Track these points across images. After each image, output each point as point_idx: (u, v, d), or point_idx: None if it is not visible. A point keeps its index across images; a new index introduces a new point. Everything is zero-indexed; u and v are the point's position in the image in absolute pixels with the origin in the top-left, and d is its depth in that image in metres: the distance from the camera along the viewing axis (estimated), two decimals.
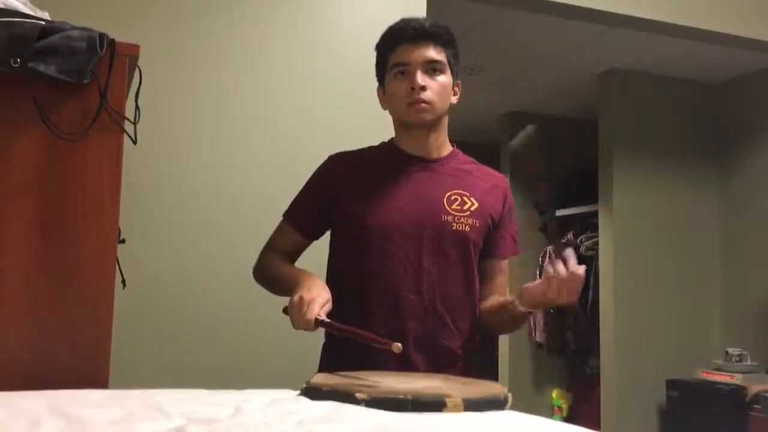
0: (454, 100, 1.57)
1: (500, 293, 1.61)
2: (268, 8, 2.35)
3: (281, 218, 1.64)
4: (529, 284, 1.41)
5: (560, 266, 1.34)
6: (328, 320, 1.34)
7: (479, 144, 5.35)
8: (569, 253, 1.37)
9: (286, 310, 1.40)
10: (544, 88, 4.51)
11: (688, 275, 4.23)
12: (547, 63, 4.05)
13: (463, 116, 4.94)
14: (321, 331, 1.57)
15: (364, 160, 1.61)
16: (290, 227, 1.62)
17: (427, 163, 1.57)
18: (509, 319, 1.52)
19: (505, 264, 1.63)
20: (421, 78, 1.48)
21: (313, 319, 1.32)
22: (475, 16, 3.36)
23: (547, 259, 1.25)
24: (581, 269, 1.35)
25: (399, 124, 1.59)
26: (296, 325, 1.36)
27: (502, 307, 1.52)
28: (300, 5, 2.39)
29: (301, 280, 1.41)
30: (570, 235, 4.71)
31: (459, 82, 1.59)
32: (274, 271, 1.57)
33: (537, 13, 3.06)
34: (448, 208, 1.52)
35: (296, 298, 1.35)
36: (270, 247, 1.63)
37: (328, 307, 1.36)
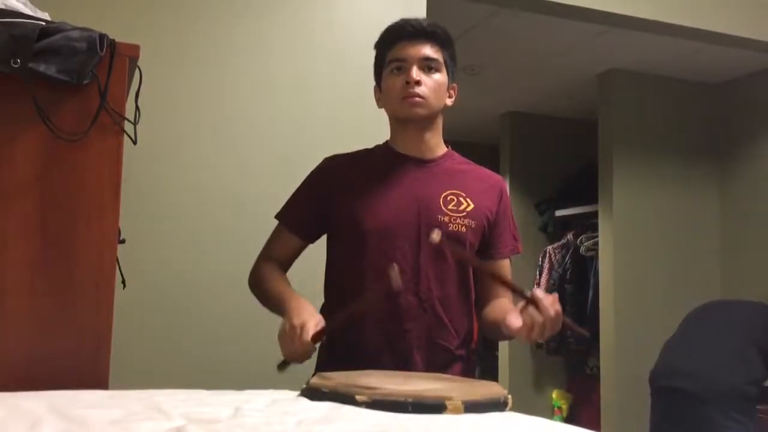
0: (449, 102, 1.58)
1: (503, 294, 1.61)
2: (269, 8, 2.35)
3: (277, 223, 1.64)
4: (512, 322, 1.33)
5: (534, 313, 1.29)
6: (323, 330, 1.32)
7: (479, 144, 5.36)
8: (537, 293, 1.30)
9: (281, 367, 1.38)
10: (544, 88, 4.51)
11: (688, 275, 4.23)
12: (547, 63, 4.05)
13: (463, 116, 4.94)
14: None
15: (358, 161, 1.61)
16: (286, 230, 1.62)
17: (422, 163, 1.57)
18: (506, 334, 1.51)
19: (505, 264, 1.63)
20: (416, 73, 1.49)
21: (310, 339, 1.30)
22: (475, 16, 3.36)
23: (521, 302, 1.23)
24: (555, 306, 1.29)
25: (394, 121, 1.59)
26: (291, 355, 1.34)
27: (499, 324, 1.50)
28: (300, 5, 2.39)
29: (289, 307, 1.39)
30: (570, 235, 4.71)
31: (455, 85, 1.60)
32: (267, 287, 1.56)
33: (537, 14, 3.06)
34: (444, 209, 1.52)
35: (286, 327, 1.34)
36: (265, 256, 1.62)
37: (321, 325, 1.34)
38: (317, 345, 1.36)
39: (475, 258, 1.55)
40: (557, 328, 1.32)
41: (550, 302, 1.29)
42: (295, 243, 1.61)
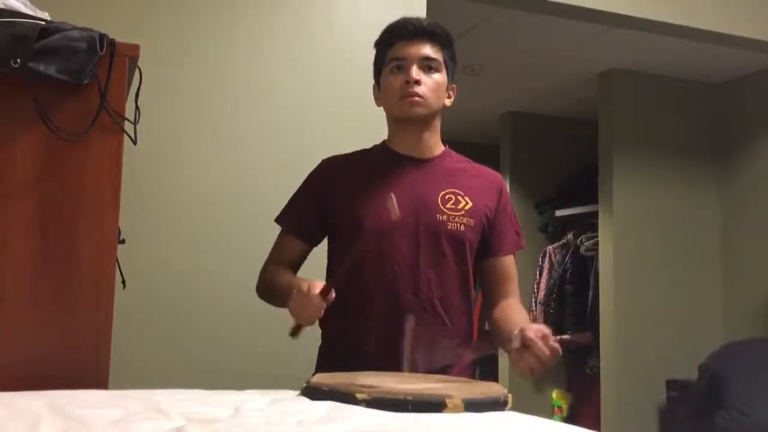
0: (448, 102, 1.58)
1: (510, 292, 1.59)
2: (269, 8, 2.35)
3: (279, 230, 1.63)
4: (514, 358, 1.34)
5: (530, 358, 1.29)
6: (330, 284, 1.33)
7: (479, 144, 5.36)
8: (528, 335, 1.30)
9: (293, 332, 1.39)
10: (544, 88, 4.51)
11: (688, 275, 4.23)
12: (547, 63, 4.05)
13: (463, 116, 4.94)
14: (319, 333, 1.57)
15: (356, 162, 1.61)
16: (287, 233, 1.61)
17: (420, 162, 1.57)
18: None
19: (509, 261, 1.61)
20: (416, 73, 1.49)
21: (318, 294, 1.31)
22: (475, 16, 3.36)
23: (518, 339, 1.25)
24: (549, 344, 1.28)
25: (392, 120, 1.59)
26: (303, 316, 1.34)
27: (507, 339, 1.46)
28: (300, 5, 2.39)
29: (295, 283, 1.40)
30: (570, 235, 4.71)
31: (454, 86, 1.60)
32: (272, 284, 1.56)
33: (537, 14, 3.06)
34: (443, 208, 1.52)
35: (294, 294, 1.35)
36: (270, 262, 1.62)
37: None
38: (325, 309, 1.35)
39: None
40: (555, 361, 1.31)
41: (543, 339, 1.28)
42: (297, 246, 1.61)
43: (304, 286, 1.34)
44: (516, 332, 1.32)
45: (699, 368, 3.38)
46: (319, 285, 1.33)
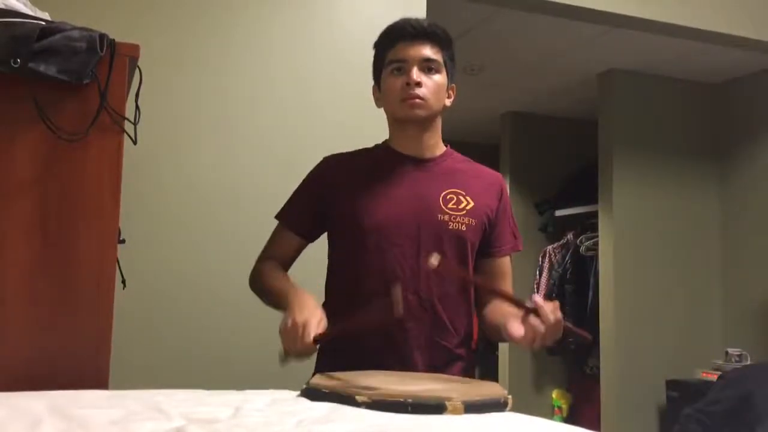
0: (447, 102, 1.58)
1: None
2: (269, 8, 2.35)
3: (276, 223, 1.63)
4: (513, 331, 1.32)
5: (536, 322, 1.28)
6: (326, 333, 1.29)
7: (479, 144, 5.36)
8: (538, 301, 1.29)
9: (282, 359, 1.34)
10: (544, 88, 4.51)
11: (688, 275, 4.23)
12: (547, 63, 4.05)
13: (463, 116, 4.94)
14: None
15: (358, 161, 1.61)
16: (287, 229, 1.61)
17: (421, 162, 1.57)
18: (507, 339, 1.50)
19: (505, 261, 1.62)
20: (416, 75, 1.49)
21: (312, 340, 1.26)
22: (475, 16, 3.36)
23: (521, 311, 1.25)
24: (556, 313, 1.28)
25: (393, 121, 1.59)
26: (292, 352, 1.30)
27: (500, 328, 1.46)
28: (300, 5, 2.39)
29: (291, 301, 1.36)
30: (570, 235, 4.71)
31: (453, 86, 1.60)
32: (266, 284, 1.55)
33: (537, 14, 3.06)
34: (444, 207, 1.51)
35: (288, 322, 1.30)
36: (265, 256, 1.62)
37: (324, 324, 1.31)
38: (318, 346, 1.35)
39: (475, 277, 1.55)
40: (558, 335, 1.31)
41: (551, 309, 1.29)
42: (295, 242, 1.61)
43: (299, 320, 1.28)
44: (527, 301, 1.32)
45: (716, 382, 3.23)
46: (313, 327, 1.27)
